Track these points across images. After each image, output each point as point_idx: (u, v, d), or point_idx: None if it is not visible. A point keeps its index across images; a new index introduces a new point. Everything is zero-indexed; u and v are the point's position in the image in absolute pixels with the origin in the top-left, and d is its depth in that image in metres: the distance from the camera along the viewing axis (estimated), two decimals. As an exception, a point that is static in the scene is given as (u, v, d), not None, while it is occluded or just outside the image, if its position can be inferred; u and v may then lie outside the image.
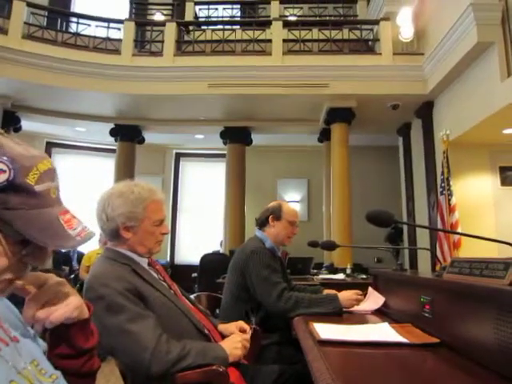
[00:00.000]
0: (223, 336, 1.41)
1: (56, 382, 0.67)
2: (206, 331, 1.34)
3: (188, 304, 1.42)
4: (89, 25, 6.16)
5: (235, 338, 1.33)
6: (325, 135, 7.02)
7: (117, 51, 5.97)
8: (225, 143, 7.31)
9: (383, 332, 1.29)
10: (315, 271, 5.16)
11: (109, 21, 6.26)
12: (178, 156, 9.63)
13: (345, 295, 1.78)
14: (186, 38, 6.65)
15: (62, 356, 0.72)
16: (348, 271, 4.84)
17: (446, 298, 1.18)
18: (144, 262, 1.38)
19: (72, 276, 5.37)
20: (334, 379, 0.85)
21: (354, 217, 5.88)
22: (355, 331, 1.29)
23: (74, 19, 6.37)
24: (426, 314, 1.30)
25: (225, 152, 7.38)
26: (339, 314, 1.71)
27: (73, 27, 6.29)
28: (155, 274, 1.39)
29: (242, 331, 1.44)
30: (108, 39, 6.05)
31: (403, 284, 1.59)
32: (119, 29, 6.21)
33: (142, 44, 6.45)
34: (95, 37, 6.07)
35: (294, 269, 4.05)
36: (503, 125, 4.83)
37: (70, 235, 0.63)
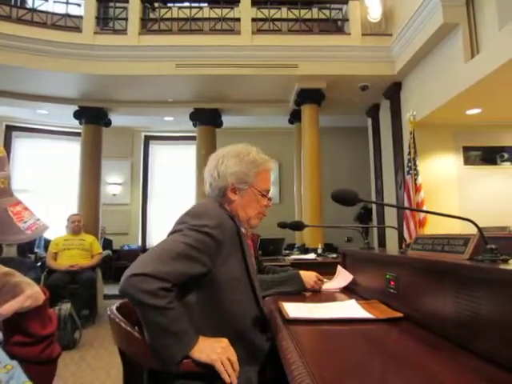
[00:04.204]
0: None
1: (11, 372, 0.64)
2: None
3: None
4: (46, 0, 5.79)
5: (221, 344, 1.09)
6: (295, 116, 7.02)
7: (77, 29, 5.66)
8: (194, 125, 7.18)
9: (350, 309, 1.32)
10: (287, 252, 5.24)
11: (68, -4, 5.90)
12: (147, 139, 9.40)
13: (307, 274, 1.80)
14: (152, 15, 6.40)
15: (19, 344, 0.69)
16: (319, 251, 4.93)
17: (410, 273, 1.22)
18: (243, 230, 1.31)
19: (39, 264, 5.19)
20: (301, 356, 0.86)
21: (325, 197, 5.97)
22: (323, 309, 1.31)
23: (30, -7, 5.98)
24: (392, 290, 1.34)
25: (195, 134, 7.26)
26: (303, 292, 1.74)
27: (29, 2, 5.90)
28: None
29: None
30: (67, 16, 5.72)
31: (370, 262, 1.63)
32: (79, 5, 5.87)
33: (104, 21, 6.15)
34: (53, 13, 5.72)
35: (265, 250, 4.07)
36: (467, 106, 4.98)
37: (19, 228, 0.58)
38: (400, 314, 1.19)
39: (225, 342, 1.08)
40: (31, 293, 0.67)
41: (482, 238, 0.94)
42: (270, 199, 1.37)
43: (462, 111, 5.15)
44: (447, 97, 4.78)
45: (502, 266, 0.81)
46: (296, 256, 4.63)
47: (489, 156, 5.84)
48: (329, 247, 6.36)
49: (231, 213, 1.29)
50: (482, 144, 5.82)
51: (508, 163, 5.81)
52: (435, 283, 1.05)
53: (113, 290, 5.87)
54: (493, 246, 0.90)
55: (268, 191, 1.36)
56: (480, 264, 0.87)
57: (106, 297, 5.46)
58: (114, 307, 1.20)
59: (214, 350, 1.04)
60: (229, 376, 1.01)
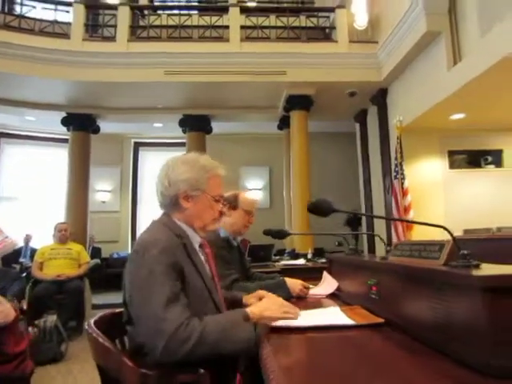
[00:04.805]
0: None
1: None
2: None
3: (222, 299, 1.36)
4: (34, 7, 5.78)
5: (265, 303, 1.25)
6: (285, 122, 7.07)
7: (66, 35, 5.66)
8: (184, 131, 7.19)
9: (333, 315, 1.34)
10: (278, 257, 5.25)
11: (56, 3, 5.90)
12: (137, 145, 9.38)
13: (293, 281, 1.82)
14: (141, 22, 6.42)
15: None
16: (309, 256, 4.95)
17: (390, 279, 1.24)
18: (197, 241, 1.33)
19: (24, 274, 5.10)
20: (280, 364, 0.88)
21: (314, 203, 6.00)
22: (307, 316, 1.32)
23: (18, 0, 5.96)
24: (373, 296, 1.36)
25: (185, 141, 7.26)
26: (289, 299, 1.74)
27: (16, 9, 5.88)
28: (203, 258, 1.35)
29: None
30: (56, 22, 5.71)
31: (353, 268, 1.66)
32: (68, 11, 5.87)
33: (93, 28, 6.15)
34: (42, 20, 5.71)
35: (255, 256, 4.07)
36: (451, 111, 5.07)
37: None
38: (381, 320, 1.21)
39: (267, 298, 1.31)
40: (1, 309, 0.68)
41: (456, 244, 0.97)
42: (224, 204, 1.39)
43: (447, 116, 5.24)
44: (432, 102, 4.87)
45: (474, 272, 0.83)
46: (286, 262, 4.64)
47: (473, 159, 5.95)
48: (319, 252, 6.38)
49: (185, 222, 1.30)
50: (466, 148, 5.93)
51: (492, 166, 5.92)
52: (413, 289, 1.07)
53: (102, 299, 5.78)
54: (465, 252, 0.93)
55: (221, 196, 1.37)
56: (451, 270, 0.89)
57: (95, 306, 5.37)
58: (92, 321, 1.19)
59: (270, 308, 1.18)
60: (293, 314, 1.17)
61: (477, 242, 4.06)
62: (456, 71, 4.43)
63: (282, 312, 1.18)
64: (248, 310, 1.17)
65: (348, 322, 1.23)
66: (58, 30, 5.67)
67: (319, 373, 0.89)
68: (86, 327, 1.17)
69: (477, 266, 0.90)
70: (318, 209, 1.13)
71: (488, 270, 0.87)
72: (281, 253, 6.17)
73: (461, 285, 0.84)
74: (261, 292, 1.49)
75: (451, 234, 0.98)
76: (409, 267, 1.10)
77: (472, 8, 4.37)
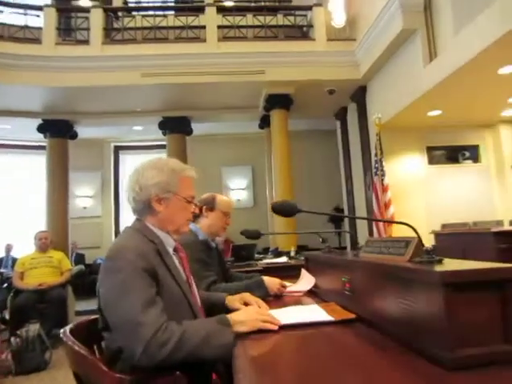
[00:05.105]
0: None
1: None
2: None
3: (198, 302, 1.37)
4: (1, 11, 5.63)
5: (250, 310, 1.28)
6: (265, 121, 7.09)
7: (37, 40, 5.54)
8: (164, 134, 7.13)
9: (313, 312, 1.35)
10: (261, 256, 5.25)
11: (26, 7, 5.76)
12: (117, 149, 9.26)
13: (271, 280, 1.83)
14: (115, 25, 6.34)
15: None
16: (292, 254, 4.97)
17: (361, 276, 1.26)
18: (171, 245, 1.34)
19: (5, 285, 5.00)
20: (252, 365, 0.88)
21: (298, 200, 6.01)
22: (283, 314, 1.32)
23: (-15, 5, 5.81)
24: (347, 292, 1.38)
25: (166, 143, 7.20)
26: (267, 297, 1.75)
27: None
28: (177, 262, 1.35)
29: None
30: (26, 27, 5.58)
31: (329, 265, 1.67)
32: (38, 15, 5.75)
33: (66, 32, 6.04)
34: (11, 25, 5.56)
35: (238, 256, 4.09)
36: (428, 108, 5.16)
37: None
38: (352, 316, 1.22)
39: (250, 308, 1.33)
40: None
41: (420, 241, 0.98)
42: (196, 205, 1.40)
43: (424, 113, 5.33)
44: (409, 99, 4.95)
45: (434, 267, 0.85)
46: (269, 260, 4.64)
47: (451, 155, 6.07)
48: (304, 249, 6.42)
49: (159, 227, 1.30)
50: (444, 144, 6.06)
51: (469, 161, 6.06)
52: (381, 285, 1.08)
53: (86, 305, 5.70)
54: (429, 248, 0.95)
55: (193, 197, 1.38)
56: (413, 266, 0.91)
57: (79, 313, 5.30)
58: (67, 329, 1.18)
59: (251, 317, 1.17)
60: (273, 324, 1.16)
61: (454, 236, 4.16)
62: (431, 68, 4.51)
63: (262, 322, 1.17)
64: (229, 316, 1.17)
65: (327, 318, 1.24)
66: (28, 36, 5.55)
67: (290, 371, 0.89)
68: (62, 335, 1.15)
69: (439, 262, 0.92)
70: (282, 210, 1.14)
71: (449, 265, 0.88)
72: (266, 251, 6.18)
73: (422, 280, 0.85)
74: (245, 296, 1.50)
75: (415, 231, 0.99)
76: (376, 264, 1.11)
77: (446, 6, 4.45)
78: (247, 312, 1.25)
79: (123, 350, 1.11)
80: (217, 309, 1.47)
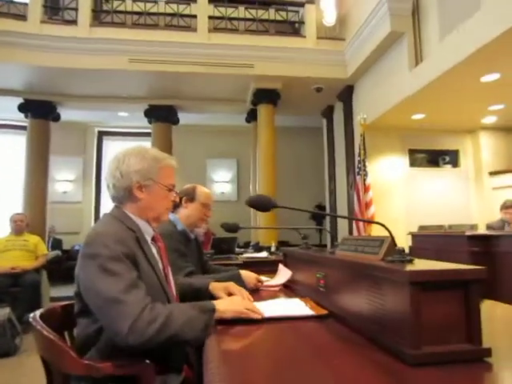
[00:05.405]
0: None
1: None
2: None
3: (173, 293, 1.37)
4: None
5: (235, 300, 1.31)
6: (252, 116, 7.07)
7: (23, 17, 5.37)
8: (150, 122, 7.04)
9: (294, 306, 1.37)
10: (242, 250, 5.27)
11: (12, -19, 5.57)
12: (101, 134, 9.09)
13: (248, 274, 1.85)
14: (105, 7, 6.19)
15: None
16: (272, 249, 5.01)
17: (335, 273, 1.29)
18: (149, 234, 1.34)
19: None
20: (221, 357, 0.89)
21: (281, 195, 6.07)
22: (266, 306, 1.34)
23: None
24: (321, 289, 1.41)
25: (151, 131, 7.12)
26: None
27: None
28: (155, 251, 1.35)
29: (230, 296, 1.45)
30: (11, 2, 5.40)
31: (305, 261, 1.70)
32: (25, -9, 5.57)
33: (53, 10, 5.86)
34: (-5, -1, 5.39)
35: (218, 249, 4.09)
36: (412, 111, 5.25)
37: None
38: (325, 312, 1.25)
39: (236, 297, 1.35)
40: None
41: (393, 241, 1.01)
42: (176, 193, 1.42)
43: (408, 116, 5.43)
44: (394, 101, 5.02)
45: (404, 267, 0.88)
46: (249, 254, 4.67)
47: (432, 158, 6.21)
48: (285, 245, 6.47)
49: (138, 214, 1.31)
50: (426, 147, 6.18)
51: (449, 166, 6.20)
52: (354, 282, 1.11)
53: (61, 291, 5.62)
54: (401, 248, 0.98)
55: (173, 186, 1.39)
56: (384, 264, 0.94)
57: (54, 299, 5.21)
58: (37, 313, 1.16)
59: (235, 305, 1.22)
60: (257, 314, 1.21)
61: (429, 237, 4.28)
62: (416, 72, 4.58)
63: (245, 309, 1.22)
64: (214, 302, 1.21)
65: (309, 312, 1.27)
66: (13, 11, 5.37)
67: (259, 364, 0.91)
68: (31, 320, 1.14)
69: (410, 262, 0.95)
70: (257, 204, 1.15)
71: (418, 265, 0.91)
72: (247, 245, 6.21)
73: (391, 279, 0.88)
74: (230, 285, 1.53)
75: (389, 231, 1.02)
76: (349, 261, 1.14)
77: (433, 11, 4.53)
78: (232, 300, 1.30)
79: (102, 333, 1.12)
80: (201, 295, 1.50)
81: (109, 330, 1.09)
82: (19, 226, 4.55)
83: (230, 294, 1.48)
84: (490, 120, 5.77)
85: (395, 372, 0.78)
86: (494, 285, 3.25)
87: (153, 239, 1.37)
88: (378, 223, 1.05)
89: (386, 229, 1.03)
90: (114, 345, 1.09)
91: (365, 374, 0.78)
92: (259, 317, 1.20)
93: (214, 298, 1.46)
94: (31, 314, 1.17)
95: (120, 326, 1.03)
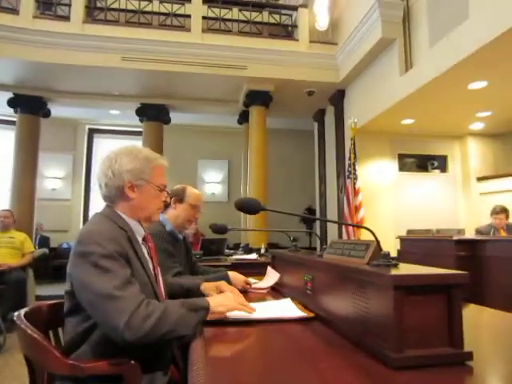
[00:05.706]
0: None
1: None
2: None
3: (162, 293, 1.37)
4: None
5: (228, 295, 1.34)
6: (244, 117, 7.08)
7: (15, 11, 5.31)
8: (141, 121, 7.00)
9: (286, 308, 1.38)
10: (231, 252, 5.27)
11: (4, -25, 5.50)
12: (92, 132, 9.01)
13: (236, 276, 1.85)
14: (98, 4, 6.15)
15: None
16: (262, 251, 5.01)
17: (322, 276, 1.30)
18: (140, 234, 1.34)
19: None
20: (206, 359, 0.90)
21: (272, 197, 6.10)
22: (257, 308, 1.35)
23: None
24: (308, 291, 1.42)
25: (142, 130, 7.08)
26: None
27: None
28: (145, 251, 1.35)
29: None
30: (3, -4, 5.34)
31: (293, 264, 1.71)
32: (17, -15, 5.50)
33: (45, 5, 5.80)
34: (-14, -8, 5.32)
35: (208, 250, 4.08)
36: (401, 116, 5.32)
37: None
38: (312, 314, 1.26)
39: (229, 293, 1.36)
40: None
41: (378, 245, 1.03)
42: (168, 193, 1.42)
43: (398, 121, 5.49)
44: (384, 106, 5.08)
45: (388, 271, 0.89)
46: (238, 256, 4.67)
47: (421, 163, 6.29)
48: (275, 247, 6.49)
49: (129, 214, 1.31)
50: (415, 152, 6.26)
51: (437, 171, 6.29)
52: (340, 285, 1.13)
53: (48, 290, 5.55)
54: (386, 252, 0.99)
55: (165, 186, 1.39)
56: (369, 268, 0.95)
57: (40, 298, 5.15)
58: (22, 312, 1.15)
59: (228, 300, 1.25)
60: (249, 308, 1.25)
61: (417, 241, 4.33)
62: (406, 78, 4.64)
63: (238, 304, 1.25)
64: (208, 298, 1.24)
65: (300, 314, 1.28)
66: (5, 4, 5.31)
67: (244, 365, 0.92)
68: (15, 318, 1.13)
69: (395, 266, 0.96)
70: (245, 207, 1.16)
71: (402, 269, 0.93)
72: (237, 247, 6.21)
73: (375, 282, 0.89)
74: (221, 284, 1.55)
75: (374, 236, 1.04)
76: (335, 265, 1.15)
77: (424, 19, 4.60)
78: (225, 296, 1.33)
79: (93, 331, 1.12)
80: (192, 295, 1.50)
81: (104, 327, 1.08)
82: (4, 223, 4.50)
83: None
84: (477, 126, 5.87)
85: (378, 375, 0.79)
86: (479, 288, 3.31)
87: (143, 239, 1.37)
88: (364, 227, 1.07)
89: (372, 233, 1.04)
90: (106, 342, 1.09)
91: (348, 377, 0.79)
92: (252, 311, 1.24)
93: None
94: (16, 313, 1.15)
95: (116, 321, 1.03)
